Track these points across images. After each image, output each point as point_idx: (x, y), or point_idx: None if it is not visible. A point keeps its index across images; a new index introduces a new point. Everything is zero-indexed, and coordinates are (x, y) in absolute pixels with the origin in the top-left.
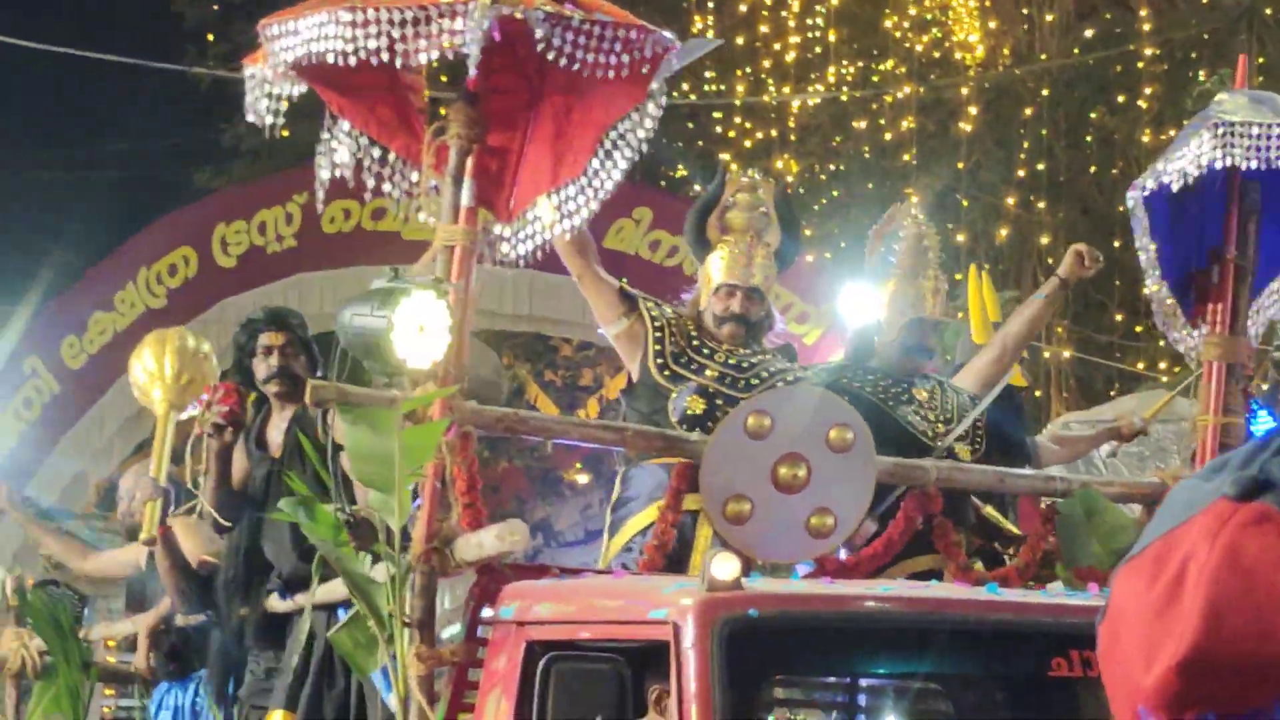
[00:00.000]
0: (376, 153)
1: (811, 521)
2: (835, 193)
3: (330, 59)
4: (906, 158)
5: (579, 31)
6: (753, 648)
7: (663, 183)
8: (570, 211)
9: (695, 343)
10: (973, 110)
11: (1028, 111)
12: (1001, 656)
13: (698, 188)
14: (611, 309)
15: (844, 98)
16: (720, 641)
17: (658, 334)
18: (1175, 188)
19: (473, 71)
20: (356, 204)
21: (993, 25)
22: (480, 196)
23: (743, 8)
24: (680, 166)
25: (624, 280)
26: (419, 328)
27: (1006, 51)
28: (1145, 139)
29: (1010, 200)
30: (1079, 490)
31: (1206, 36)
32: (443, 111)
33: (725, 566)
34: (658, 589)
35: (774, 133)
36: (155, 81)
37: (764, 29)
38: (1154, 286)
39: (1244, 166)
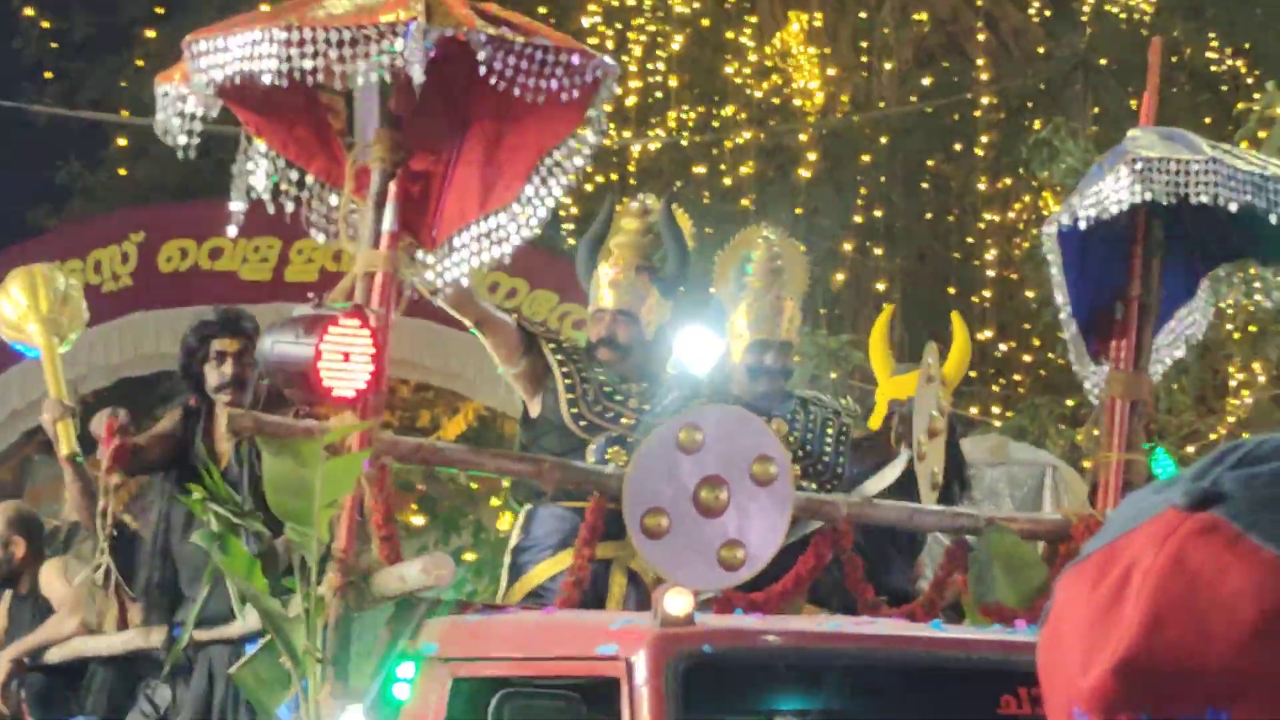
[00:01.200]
0: (294, 175)
1: (722, 553)
2: None
3: (265, 79)
4: (745, 203)
5: (520, 55)
6: (708, 685)
7: None
8: (500, 239)
9: (607, 389)
10: (811, 156)
11: (865, 158)
12: (954, 693)
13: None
14: (512, 350)
15: (684, 142)
16: (676, 678)
17: (567, 380)
18: (1092, 223)
19: (417, 88)
20: (194, 243)
21: (832, 73)
22: (403, 222)
23: None
24: None
25: (515, 316)
26: (344, 356)
27: (845, 99)
28: (981, 186)
29: (847, 246)
30: (988, 527)
31: (1042, 86)
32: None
33: (678, 601)
34: (604, 624)
35: (614, 176)
36: None
37: None
38: (1066, 323)
39: (1165, 202)
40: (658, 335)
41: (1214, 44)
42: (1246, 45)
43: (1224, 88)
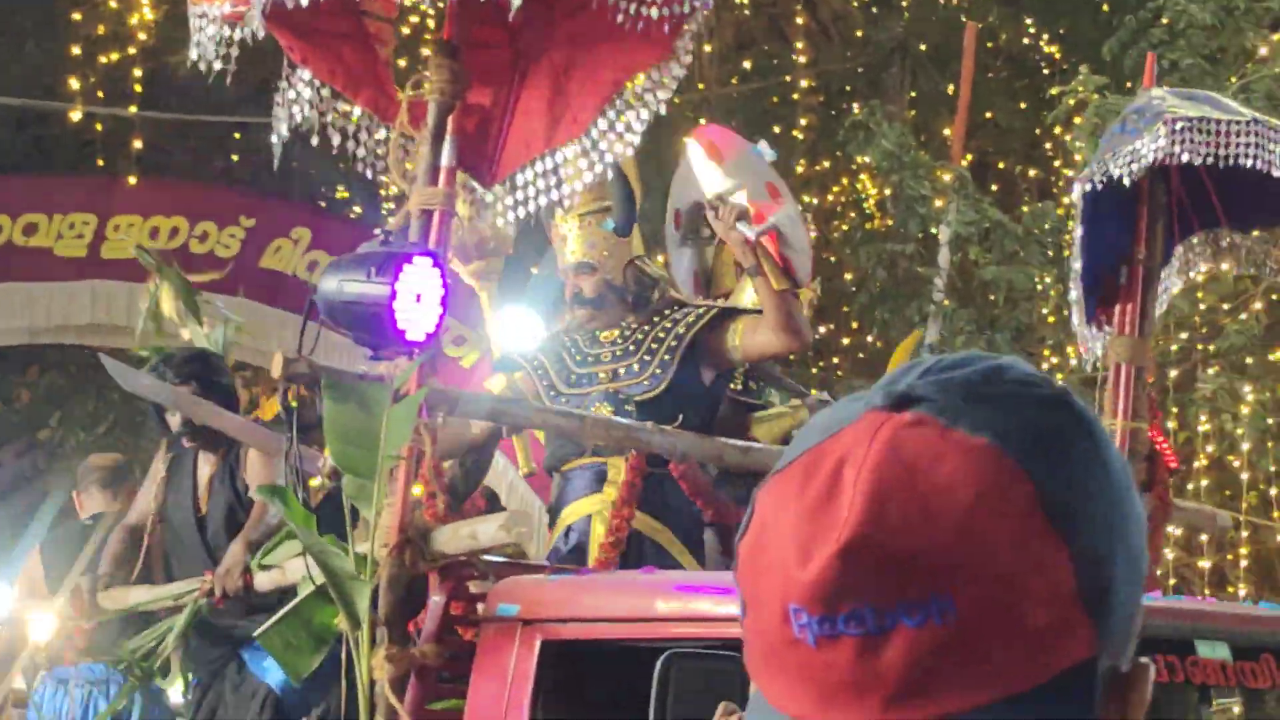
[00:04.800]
0: (342, 107)
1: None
2: None
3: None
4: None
5: None
6: None
7: (322, 204)
8: (569, 175)
9: (577, 358)
10: None
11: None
12: None
13: (358, 210)
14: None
15: None
16: None
17: (539, 372)
18: (1127, 182)
19: (512, 11)
20: (8, 219)
21: None
22: (461, 158)
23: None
24: (340, 188)
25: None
26: (416, 297)
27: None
28: (800, 169)
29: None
30: None
31: (861, 70)
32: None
33: None
34: (729, 583)
35: None
36: None
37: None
38: (1074, 285)
39: (1207, 163)
40: (626, 275)
41: (1029, 29)
42: (1061, 30)
43: (1045, 70)
